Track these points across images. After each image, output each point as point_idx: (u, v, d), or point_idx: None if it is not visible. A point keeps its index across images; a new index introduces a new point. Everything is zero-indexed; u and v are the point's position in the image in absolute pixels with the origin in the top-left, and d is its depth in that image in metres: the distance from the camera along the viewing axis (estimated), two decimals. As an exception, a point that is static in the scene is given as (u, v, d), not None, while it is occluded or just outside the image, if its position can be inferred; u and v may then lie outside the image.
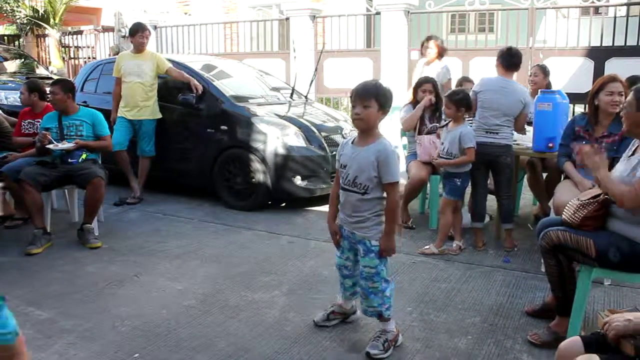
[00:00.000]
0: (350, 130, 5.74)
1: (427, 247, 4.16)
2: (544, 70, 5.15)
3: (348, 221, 2.78)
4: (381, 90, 2.66)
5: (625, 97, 3.39)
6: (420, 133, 4.78)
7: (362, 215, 2.71)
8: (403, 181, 5.69)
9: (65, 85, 4.68)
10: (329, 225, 2.94)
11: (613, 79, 3.45)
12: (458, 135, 4.00)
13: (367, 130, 2.70)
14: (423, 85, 4.84)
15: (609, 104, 3.41)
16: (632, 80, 4.38)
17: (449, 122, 4.18)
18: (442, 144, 4.15)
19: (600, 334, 1.85)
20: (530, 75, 5.17)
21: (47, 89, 5.34)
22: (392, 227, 2.69)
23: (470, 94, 4.19)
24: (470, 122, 4.28)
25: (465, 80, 5.47)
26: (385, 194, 2.70)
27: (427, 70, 5.69)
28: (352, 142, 2.77)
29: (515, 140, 4.38)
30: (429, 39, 5.89)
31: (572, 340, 1.95)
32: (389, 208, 2.68)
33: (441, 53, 5.83)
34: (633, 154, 2.66)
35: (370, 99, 2.61)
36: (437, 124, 4.75)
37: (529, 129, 4.38)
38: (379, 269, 2.72)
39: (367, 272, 2.73)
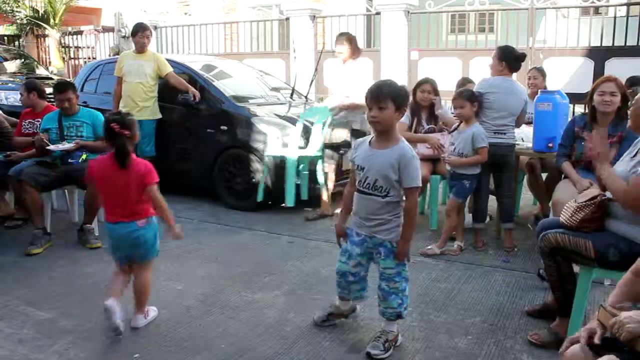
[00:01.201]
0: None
1: (430, 247, 4.14)
2: (543, 73, 5.20)
3: (365, 225, 2.73)
4: (396, 90, 2.62)
5: (621, 97, 3.43)
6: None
7: (382, 217, 2.67)
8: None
9: (74, 88, 4.73)
10: (337, 227, 2.88)
11: (607, 79, 3.52)
12: (471, 136, 3.99)
13: (385, 132, 2.65)
14: (422, 85, 4.73)
15: (601, 104, 3.47)
16: (632, 82, 4.39)
17: (459, 124, 4.16)
18: (453, 144, 4.13)
19: (610, 334, 1.81)
20: (530, 78, 5.17)
21: (47, 89, 5.36)
22: (410, 232, 2.67)
23: None
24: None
25: (466, 81, 5.45)
26: (404, 197, 2.66)
27: (342, 71, 5.11)
28: (369, 143, 2.72)
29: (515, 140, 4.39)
30: (342, 34, 5.23)
31: (577, 347, 1.91)
32: (409, 213, 2.65)
33: (355, 51, 5.11)
34: (635, 154, 2.66)
35: (386, 99, 2.56)
36: (434, 126, 4.74)
37: (529, 129, 4.39)
38: (400, 269, 2.71)
39: (389, 274, 2.71)
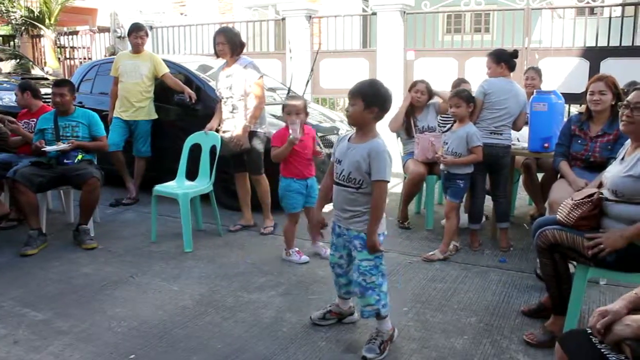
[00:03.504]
0: (346, 131, 5.75)
1: (432, 253, 4.06)
2: (540, 73, 5.21)
3: (342, 217, 2.79)
4: (367, 89, 2.69)
5: (614, 97, 3.45)
6: (412, 134, 4.81)
7: (357, 209, 2.72)
8: (399, 180, 5.71)
9: (72, 87, 4.72)
10: (315, 214, 3.01)
11: (597, 79, 3.59)
12: (465, 135, 3.98)
13: (359, 127, 2.74)
14: (417, 85, 4.84)
15: (591, 102, 3.57)
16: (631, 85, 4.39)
17: (453, 123, 4.17)
18: (446, 144, 4.13)
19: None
20: (527, 79, 5.17)
21: (42, 90, 5.34)
22: (375, 225, 2.69)
23: (477, 95, 4.17)
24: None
25: (462, 81, 5.45)
26: None
27: (229, 73, 4.60)
28: (349, 139, 2.80)
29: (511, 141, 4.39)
30: (219, 30, 4.63)
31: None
32: (374, 205, 2.68)
33: (235, 49, 4.55)
34: (623, 157, 2.68)
35: (356, 97, 2.67)
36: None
37: (525, 129, 4.40)
38: (377, 262, 2.73)
39: (365, 266, 2.72)
